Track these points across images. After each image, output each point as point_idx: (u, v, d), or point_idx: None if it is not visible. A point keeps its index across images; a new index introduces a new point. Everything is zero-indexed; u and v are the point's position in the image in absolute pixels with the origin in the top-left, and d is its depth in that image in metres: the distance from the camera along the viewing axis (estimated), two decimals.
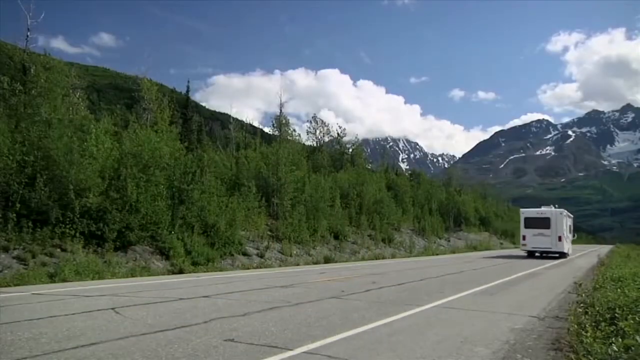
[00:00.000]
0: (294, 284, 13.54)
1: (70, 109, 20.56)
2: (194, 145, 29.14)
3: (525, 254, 34.46)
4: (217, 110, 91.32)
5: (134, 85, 30.73)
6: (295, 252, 24.77)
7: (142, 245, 17.82)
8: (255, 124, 57.59)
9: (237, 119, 45.86)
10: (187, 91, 43.51)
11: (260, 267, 20.36)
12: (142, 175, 18.28)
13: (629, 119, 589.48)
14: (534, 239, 33.16)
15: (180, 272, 16.74)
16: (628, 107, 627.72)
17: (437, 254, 36.85)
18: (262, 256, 22.25)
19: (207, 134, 43.95)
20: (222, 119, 62.65)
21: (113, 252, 16.32)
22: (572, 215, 39.26)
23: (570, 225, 37.34)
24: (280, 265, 21.67)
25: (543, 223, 32.97)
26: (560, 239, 32.50)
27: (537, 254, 33.86)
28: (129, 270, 15.61)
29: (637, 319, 6.37)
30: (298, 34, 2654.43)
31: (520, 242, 34.92)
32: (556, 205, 36.79)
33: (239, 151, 34.32)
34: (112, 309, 8.56)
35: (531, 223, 33.65)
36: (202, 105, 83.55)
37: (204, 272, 17.29)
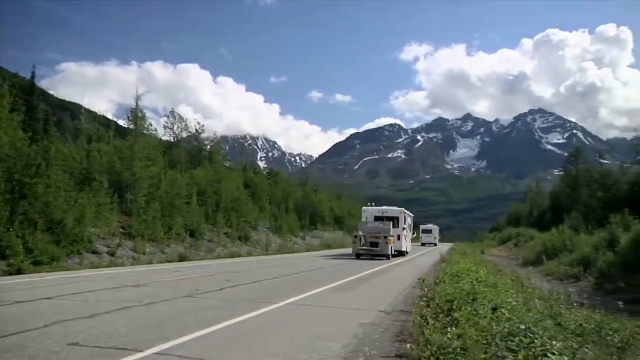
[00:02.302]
0: (146, 283, 13.08)
1: None
2: (40, 135, 26.74)
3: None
4: (67, 99, 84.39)
5: None
6: (149, 250, 23.87)
7: None
8: (110, 116, 54.39)
9: (89, 110, 43.18)
10: (33, 77, 39.79)
11: (111, 266, 19.34)
12: None
13: (469, 128, 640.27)
14: (425, 238, 70.51)
15: (19, 272, 15.35)
16: (468, 117, 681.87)
17: (293, 252, 37.50)
18: (113, 254, 21.15)
19: (55, 124, 40.63)
20: (73, 109, 58.29)
21: None
22: (438, 227, 76.89)
23: (437, 232, 75.09)
24: (132, 264, 20.77)
25: (429, 231, 72.62)
26: (435, 238, 72.00)
27: (426, 245, 65.94)
28: None
29: (468, 309, 7.02)
30: (158, 27, 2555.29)
31: (420, 240, 68.02)
32: (433, 223, 79.55)
33: (90, 144, 32.27)
34: None
35: (425, 231, 72.22)
36: (50, 94, 76.55)
37: (48, 272, 16.04)
